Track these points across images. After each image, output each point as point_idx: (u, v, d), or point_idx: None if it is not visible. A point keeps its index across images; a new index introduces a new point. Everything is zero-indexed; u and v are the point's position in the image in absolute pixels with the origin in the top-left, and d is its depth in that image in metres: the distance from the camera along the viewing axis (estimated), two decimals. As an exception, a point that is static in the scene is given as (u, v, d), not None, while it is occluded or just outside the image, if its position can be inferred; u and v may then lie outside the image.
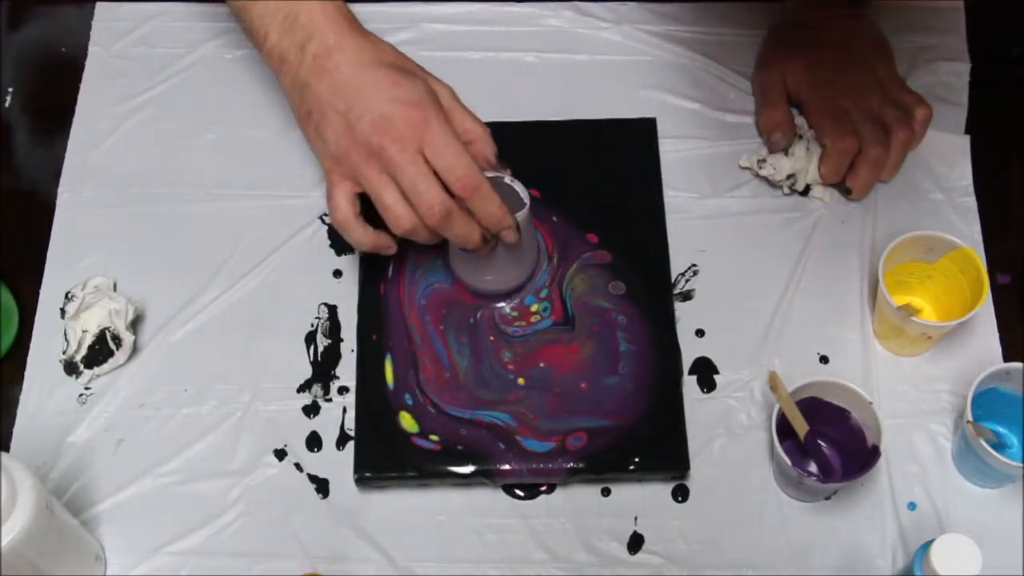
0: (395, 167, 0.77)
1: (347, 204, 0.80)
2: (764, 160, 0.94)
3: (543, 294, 0.89)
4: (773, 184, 0.95)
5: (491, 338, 0.88)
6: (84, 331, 0.88)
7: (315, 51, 0.79)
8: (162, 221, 0.95)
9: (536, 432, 0.85)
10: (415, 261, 0.90)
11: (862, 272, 0.92)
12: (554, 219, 0.92)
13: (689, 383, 0.88)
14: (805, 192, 0.95)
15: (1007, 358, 0.89)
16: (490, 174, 0.81)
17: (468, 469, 0.84)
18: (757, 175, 0.95)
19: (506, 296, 0.89)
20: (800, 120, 0.96)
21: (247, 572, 0.83)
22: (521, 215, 0.83)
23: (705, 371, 0.89)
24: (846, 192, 0.94)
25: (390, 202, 0.78)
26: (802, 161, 0.94)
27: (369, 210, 0.81)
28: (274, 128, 0.98)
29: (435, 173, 0.78)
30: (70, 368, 0.89)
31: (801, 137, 0.94)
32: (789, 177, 0.94)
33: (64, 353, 0.89)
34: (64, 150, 0.98)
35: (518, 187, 0.83)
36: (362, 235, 0.82)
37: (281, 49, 0.80)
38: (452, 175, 0.78)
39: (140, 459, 0.86)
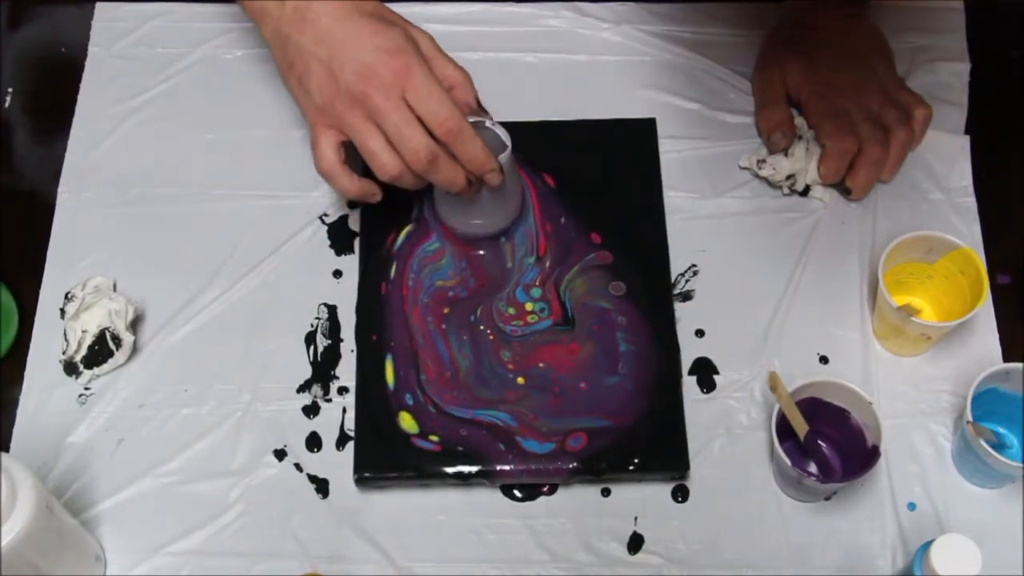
0: (379, 114, 0.78)
1: (332, 152, 0.81)
2: (764, 160, 0.94)
3: (536, 293, 0.89)
4: (773, 184, 0.95)
5: (490, 336, 0.88)
6: (84, 331, 0.88)
7: (295, 3, 0.79)
8: (162, 221, 0.95)
9: (536, 433, 0.85)
10: (420, 261, 0.90)
11: (862, 272, 0.92)
12: (562, 220, 0.92)
13: (689, 383, 0.88)
14: (805, 192, 0.95)
15: (1007, 358, 0.89)
16: (472, 119, 0.82)
17: (468, 470, 0.84)
18: (757, 175, 0.95)
19: (494, 238, 0.90)
20: (800, 120, 0.96)
21: (247, 572, 0.83)
22: (504, 157, 0.83)
23: (705, 371, 0.89)
24: (846, 192, 0.94)
25: (376, 148, 0.79)
26: (802, 161, 0.94)
27: (353, 160, 0.82)
28: (274, 128, 0.98)
29: (418, 119, 0.78)
30: (70, 368, 0.89)
31: (801, 137, 0.94)
32: (789, 177, 0.94)
33: (64, 353, 0.89)
34: (64, 150, 0.98)
35: (499, 130, 0.84)
36: (348, 183, 0.82)
37: (261, 2, 0.81)
38: (435, 120, 0.78)
39: (140, 459, 0.86)
